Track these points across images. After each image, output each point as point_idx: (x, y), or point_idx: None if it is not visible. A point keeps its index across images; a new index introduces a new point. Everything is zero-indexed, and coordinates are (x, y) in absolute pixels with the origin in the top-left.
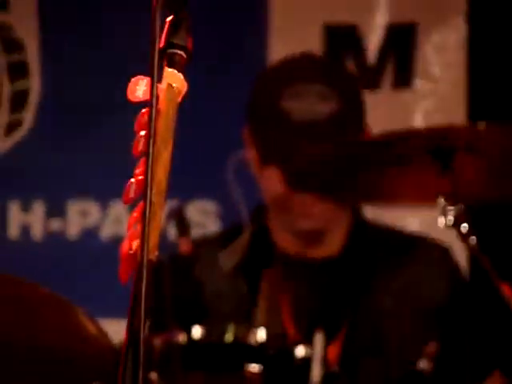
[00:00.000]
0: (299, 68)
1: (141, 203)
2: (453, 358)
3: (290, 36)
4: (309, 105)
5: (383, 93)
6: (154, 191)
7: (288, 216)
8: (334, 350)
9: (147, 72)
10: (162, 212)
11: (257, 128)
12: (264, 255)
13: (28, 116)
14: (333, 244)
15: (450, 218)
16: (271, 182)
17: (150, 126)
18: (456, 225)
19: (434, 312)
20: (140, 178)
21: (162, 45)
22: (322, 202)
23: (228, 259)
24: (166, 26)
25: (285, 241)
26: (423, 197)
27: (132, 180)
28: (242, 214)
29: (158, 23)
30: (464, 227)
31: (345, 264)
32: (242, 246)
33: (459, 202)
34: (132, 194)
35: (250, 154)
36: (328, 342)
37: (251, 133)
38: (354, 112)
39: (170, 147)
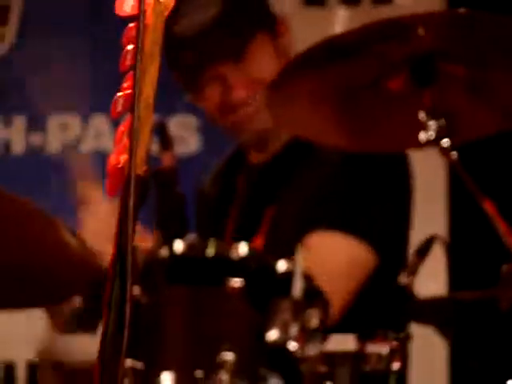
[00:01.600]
0: None
1: (128, 117)
2: None
3: None
4: (190, 19)
5: (363, 9)
6: (141, 105)
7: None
8: (258, 240)
9: None
10: (149, 127)
11: (169, 62)
12: (238, 166)
13: (8, 31)
14: (269, 151)
15: (431, 132)
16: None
17: (137, 40)
18: (437, 140)
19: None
20: (127, 92)
21: None
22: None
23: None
24: None
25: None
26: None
27: (119, 94)
28: None
29: None
30: (445, 142)
31: (271, 167)
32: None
33: (441, 116)
34: (119, 108)
35: None
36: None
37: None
38: (240, 11)
39: (156, 62)
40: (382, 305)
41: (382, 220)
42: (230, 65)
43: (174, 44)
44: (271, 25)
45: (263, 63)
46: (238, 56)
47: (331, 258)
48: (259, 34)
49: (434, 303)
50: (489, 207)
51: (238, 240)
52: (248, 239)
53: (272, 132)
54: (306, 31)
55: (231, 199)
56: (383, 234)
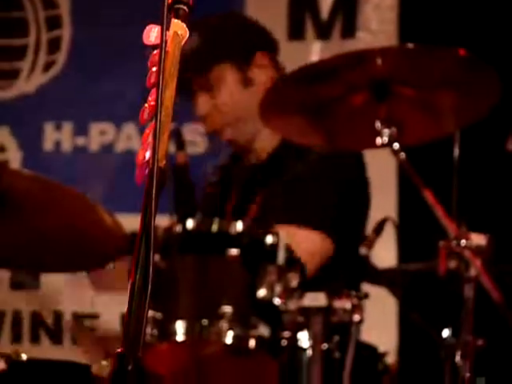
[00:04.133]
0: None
1: (152, 123)
2: None
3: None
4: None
5: (333, 42)
6: (162, 114)
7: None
8: (252, 210)
9: (158, 21)
10: (168, 130)
11: None
12: (235, 161)
13: (61, 57)
14: (263, 154)
15: (385, 138)
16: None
17: (160, 63)
18: (390, 143)
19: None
20: (152, 103)
21: (170, 0)
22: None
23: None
24: None
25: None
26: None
27: (146, 105)
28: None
29: None
30: (395, 145)
31: (267, 166)
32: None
33: (393, 125)
34: (146, 116)
35: None
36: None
37: None
38: (214, 46)
39: (174, 80)
40: (346, 270)
41: (344, 212)
42: (200, 86)
43: None
44: (239, 58)
45: (223, 88)
46: (203, 79)
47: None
48: (221, 65)
49: (386, 271)
50: (429, 196)
51: (236, 216)
52: (242, 216)
53: (254, 140)
54: (289, 59)
55: (230, 186)
56: (344, 224)
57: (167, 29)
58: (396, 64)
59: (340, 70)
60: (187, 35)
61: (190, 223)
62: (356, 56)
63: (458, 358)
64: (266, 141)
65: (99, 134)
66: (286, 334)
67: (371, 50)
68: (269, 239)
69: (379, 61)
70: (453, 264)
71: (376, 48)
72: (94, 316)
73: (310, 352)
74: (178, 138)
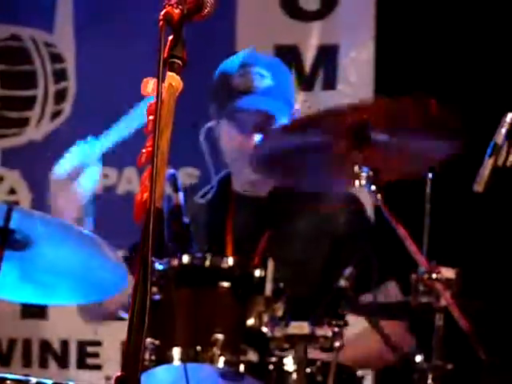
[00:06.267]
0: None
1: (149, 167)
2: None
3: None
4: (250, 80)
5: (315, 93)
6: (159, 158)
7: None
8: (257, 256)
9: (155, 75)
10: (164, 174)
11: (216, 100)
12: (226, 194)
13: (67, 107)
14: (265, 189)
15: (363, 181)
16: (229, 136)
17: (156, 112)
18: (367, 185)
19: (342, 240)
20: (149, 149)
21: (165, 55)
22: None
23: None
24: (168, 42)
25: (237, 184)
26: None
27: (143, 150)
28: (209, 166)
29: (163, 41)
30: (372, 187)
31: (270, 201)
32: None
33: (369, 168)
34: (143, 160)
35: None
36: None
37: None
38: (282, 88)
39: (170, 128)
40: (327, 301)
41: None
42: None
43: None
44: None
45: None
46: None
47: None
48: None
49: (364, 301)
50: (402, 231)
51: (239, 254)
52: (247, 255)
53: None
54: None
55: (224, 219)
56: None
57: (163, 81)
58: (372, 114)
59: (324, 122)
60: (181, 87)
61: (185, 258)
62: (338, 109)
63: (429, 381)
64: None
65: (102, 177)
66: (273, 359)
67: (351, 104)
68: (257, 273)
69: (358, 112)
70: (425, 296)
71: (353, 103)
72: (97, 343)
73: (294, 375)
74: (173, 181)
